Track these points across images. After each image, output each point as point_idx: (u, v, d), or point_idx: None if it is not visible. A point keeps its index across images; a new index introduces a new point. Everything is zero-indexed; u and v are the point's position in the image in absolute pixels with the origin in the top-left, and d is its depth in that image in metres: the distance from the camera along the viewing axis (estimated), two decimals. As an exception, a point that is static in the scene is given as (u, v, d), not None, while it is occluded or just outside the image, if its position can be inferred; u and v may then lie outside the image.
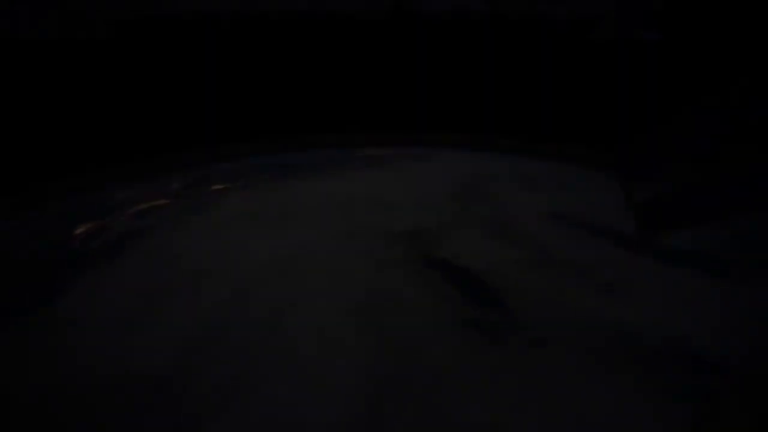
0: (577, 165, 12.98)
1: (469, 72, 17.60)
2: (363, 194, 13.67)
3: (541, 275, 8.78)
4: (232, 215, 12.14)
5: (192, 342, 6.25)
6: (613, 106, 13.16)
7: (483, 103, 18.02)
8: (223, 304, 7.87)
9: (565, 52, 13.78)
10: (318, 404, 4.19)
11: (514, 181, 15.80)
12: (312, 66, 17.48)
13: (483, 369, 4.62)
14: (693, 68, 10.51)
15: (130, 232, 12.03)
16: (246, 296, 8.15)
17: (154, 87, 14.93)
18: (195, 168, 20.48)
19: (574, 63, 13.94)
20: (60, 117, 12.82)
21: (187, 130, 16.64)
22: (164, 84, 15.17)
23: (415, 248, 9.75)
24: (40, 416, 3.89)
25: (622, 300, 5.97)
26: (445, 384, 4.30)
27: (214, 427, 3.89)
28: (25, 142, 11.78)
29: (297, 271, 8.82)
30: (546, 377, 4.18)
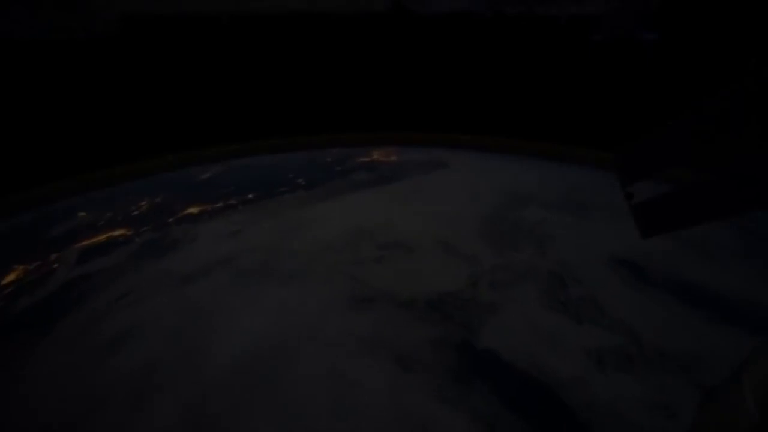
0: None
1: (470, 72, 16.62)
2: (371, 227, 10.71)
3: (637, 382, 5.97)
4: (200, 265, 9.27)
5: None
6: (612, 106, 12.45)
7: (483, 102, 16.88)
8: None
9: (565, 52, 13.25)
10: None
11: (556, 205, 12.78)
12: (314, 65, 16.50)
13: None
14: (692, 68, 10.18)
15: (69, 288, 9.31)
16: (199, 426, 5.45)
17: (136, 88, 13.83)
18: (166, 176, 17.60)
19: (574, 63, 13.38)
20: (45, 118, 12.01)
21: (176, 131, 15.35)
22: (150, 85, 14.06)
23: (447, 334, 6.90)
24: None
25: None
26: None
27: None
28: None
29: (279, 381, 6.08)
30: None
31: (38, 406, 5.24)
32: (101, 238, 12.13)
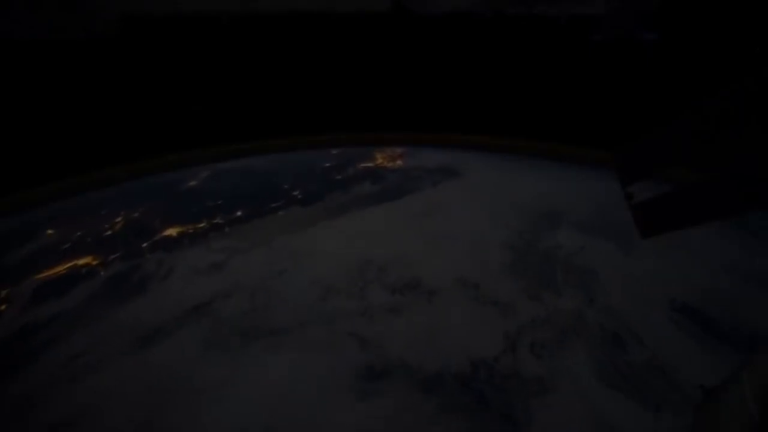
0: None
1: (470, 72, 16.33)
2: (380, 260, 8.96)
3: None
4: (171, 315, 7.55)
5: None
6: (612, 106, 12.45)
7: (483, 102, 16.50)
8: None
9: (565, 52, 13.10)
10: None
11: (591, 226, 11.04)
12: (314, 64, 16.28)
13: None
14: (692, 68, 10.18)
15: (12, 342, 7.58)
16: None
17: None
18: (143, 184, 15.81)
19: (574, 63, 13.28)
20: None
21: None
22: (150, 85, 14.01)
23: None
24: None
25: None
26: None
27: None
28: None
29: None
30: None
31: None
32: (62, 268, 10.37)
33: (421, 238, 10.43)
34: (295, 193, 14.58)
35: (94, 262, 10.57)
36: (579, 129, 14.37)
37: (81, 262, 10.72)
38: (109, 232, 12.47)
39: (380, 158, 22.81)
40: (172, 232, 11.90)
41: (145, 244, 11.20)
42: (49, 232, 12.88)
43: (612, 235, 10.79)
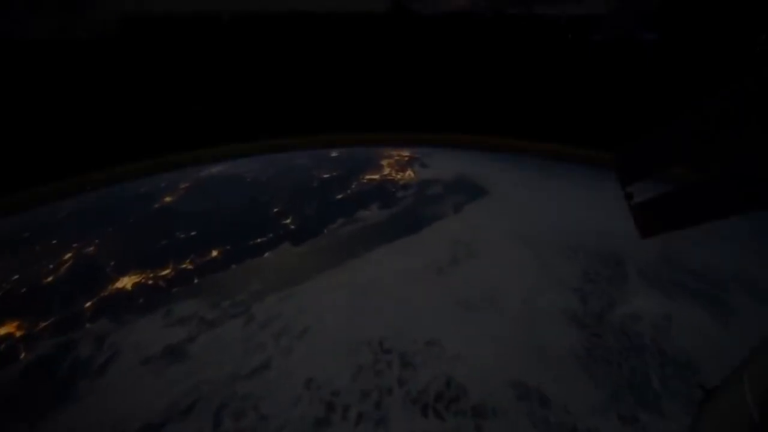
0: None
1: (470, 71, 16.09)
2: (400, 345, 6.33)
3: None
4: None
5: None
6: (613, 106, 12.39)
7: (483, 102, 16.20)
8: None
9: (565, 51, 13.24)
10: None
11: (669, 282, 8.41)
12: (314, 64, 15.91)
13: None
14: (692, 68, 10.35)
15: None
16: None
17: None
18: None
19: (574, 63, 13.34)
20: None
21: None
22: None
23: None
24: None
25: None
26: None
27: None
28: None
29: None
30: None
31: None
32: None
33: (452, 305, 7.76)
34: (287, 221, 11.82)
35: (18, 333, 7.94)
36: (579, 129, 14.12)
37: (2, 331, 8.08)
38: (50, 278, 9.82)
39: (387, 166, 19.88)
40: (126, 282, 9.22)
41: (88, 304, 8.54)
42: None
43: (695, 291, 8.19)
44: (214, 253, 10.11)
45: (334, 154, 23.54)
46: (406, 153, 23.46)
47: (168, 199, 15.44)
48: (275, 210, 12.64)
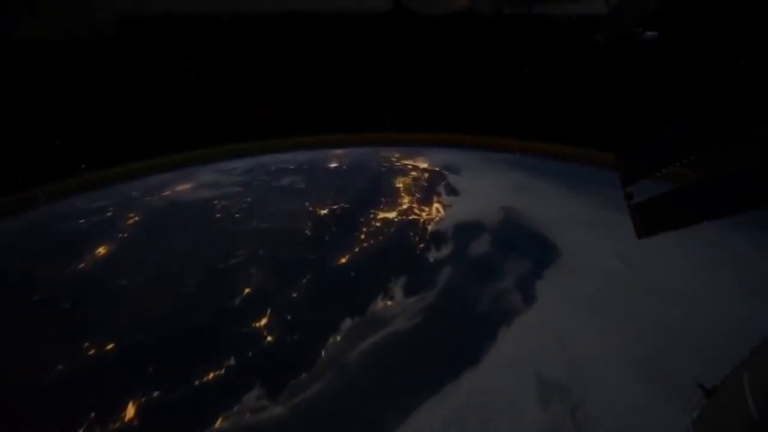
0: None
1: (470, 71, 16.30)
2: None
3: None
4: None
5: None
6: (613, 106, 12.68)
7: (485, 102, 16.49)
8: None
9: (565, 51, 13.16)
10: None
11: None
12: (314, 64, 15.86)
13: None
14: (692, 67, 10.47)
15: None
16: None
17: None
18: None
19: (575, 62, 13.34)
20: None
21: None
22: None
23: None
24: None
25: None
26: None
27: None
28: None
29: None
30: None
31: None
32: None
33: None
34: (256, 326, 7.29)
35: None
36: (579, 129, 14.46)
37: None
38: None
39: (405, 192, 14.82)
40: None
41: None
42: None
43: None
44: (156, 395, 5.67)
45: (335, 164, 18.83)
46: (424, 164, 18.67)
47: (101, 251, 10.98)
48: (236, 301, 8.05)
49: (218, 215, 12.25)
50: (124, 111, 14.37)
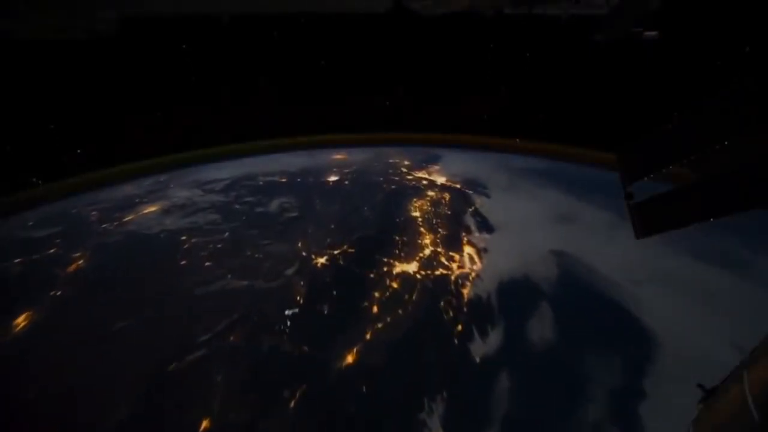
0: None
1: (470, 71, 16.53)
2: None
3: None
4: None
5: None
6: (613, 106, 12.79)
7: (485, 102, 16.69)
8: None
9: (566, 51, 13.29)
10: None
11: None
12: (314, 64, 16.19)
13: None
14: (692, 67, 10.58)
15: None
16: None
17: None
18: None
19: (575, 62, 13.53)
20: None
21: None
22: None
23: None
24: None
25: None
26: None
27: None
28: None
29: None
30: None
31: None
32: None
33: None
34: None
35: None
36: (580, 129, 14.40)
37: None
38: None
39: (425, 226, 11.44)
40: None
41: None
42: None
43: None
44: None
45: (335, 177, 15.78)
46: (440, 178, 15.66)
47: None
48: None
49: (183, 262, 9.33)
50: (113, 111, 13.87)
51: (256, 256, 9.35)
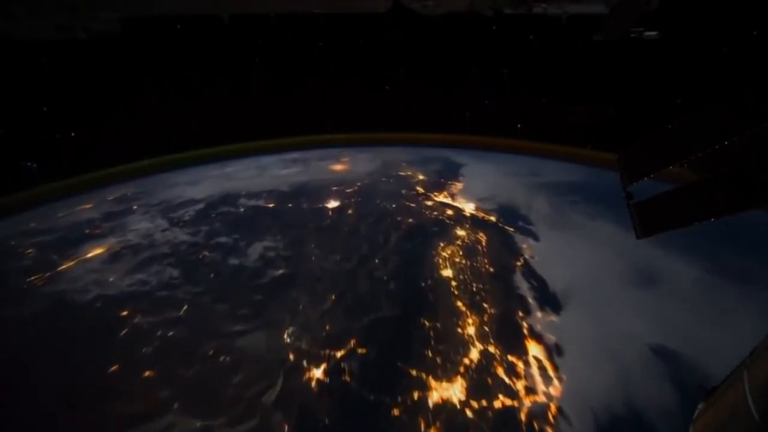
0: None
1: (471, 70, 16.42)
2: None
3: None
4: None
5: None
6: (613, 106, 13.03)
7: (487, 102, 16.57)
8: None
9: (566, 51, 13.40)
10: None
11: None
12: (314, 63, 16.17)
13: None
14: (692, 67, 10.70)
15: None
16: None
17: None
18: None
19: (575, 62, 13.56)
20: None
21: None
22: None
23: None
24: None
25: None
26: None
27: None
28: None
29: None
30: None
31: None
32: None
33: None
34: None
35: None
36: (579, 129, 14.29)
37: None
38: None
39: (471, 330, 7.90)
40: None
41: None
42: None
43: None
44: None
45: (334, 203, 12.51)
46: (468, 204, 12.40)
47: None
48: None
49: (113, 368, 6.22)
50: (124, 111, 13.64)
51: (221, 359, 6.25)
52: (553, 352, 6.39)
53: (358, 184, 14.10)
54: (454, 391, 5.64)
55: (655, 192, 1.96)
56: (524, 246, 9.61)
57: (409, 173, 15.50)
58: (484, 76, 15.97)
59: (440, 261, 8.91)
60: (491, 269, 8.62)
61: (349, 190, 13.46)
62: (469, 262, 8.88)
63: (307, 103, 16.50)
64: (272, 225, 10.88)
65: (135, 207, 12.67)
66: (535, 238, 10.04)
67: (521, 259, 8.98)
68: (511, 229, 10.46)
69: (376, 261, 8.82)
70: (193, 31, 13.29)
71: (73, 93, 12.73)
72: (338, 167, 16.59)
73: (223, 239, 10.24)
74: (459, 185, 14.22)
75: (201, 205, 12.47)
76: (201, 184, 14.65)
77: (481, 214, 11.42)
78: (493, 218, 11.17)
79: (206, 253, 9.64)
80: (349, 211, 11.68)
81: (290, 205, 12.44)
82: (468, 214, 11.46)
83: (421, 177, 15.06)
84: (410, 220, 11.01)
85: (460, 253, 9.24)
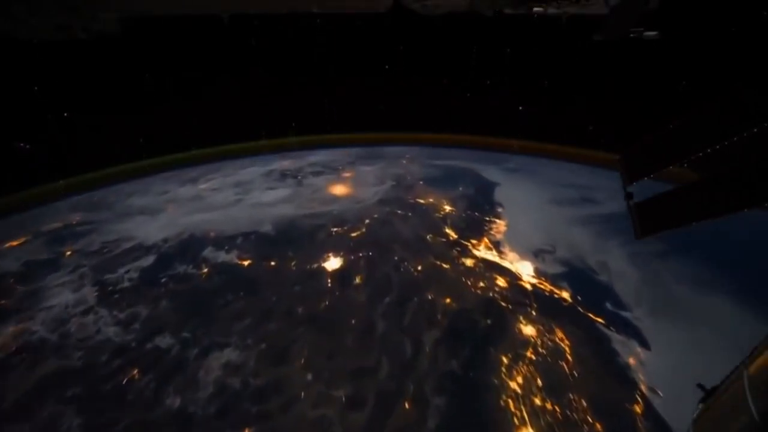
0: None
1: (470, 70, 15.54)
2: None
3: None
4: None
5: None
6: (614, 106, 12.50)
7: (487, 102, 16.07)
8: None
9: (566, 51, 12.81)
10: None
11: None
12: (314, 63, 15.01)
13: None
14: (692, 67, 10.14)
15: None
16: None
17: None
18: None
19: (575, 62, 13.07)
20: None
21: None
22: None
23: None
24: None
25: None
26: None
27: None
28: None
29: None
30: None
31: None
32: None
33: None
34: None
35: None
36: (580, 129, 13.77)
37: None
38: None
39: None
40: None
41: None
42: None
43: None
44: None
45: (335, 264, 8.99)
46: (525, 265, 8.83)
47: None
48: None
49: None
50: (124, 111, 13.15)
51: None
52: None
53: (367, 221, 10.61)
54: None
55: (655, 192, 1.84)
56: (631, 361, 6.19)
57: (431, 200, 11.92)
58: (485, 77, 15.49)
59: (510, 403, 5.44)
60: (596, 423, 5.15)
61: (354, 234, 9.95)
62: (556, 404, 5.41)
63: (307, 103, 15.79)
64: (243, 309, 7.36)
65: (68, 253, 9.16)
66: (642, 340, 6.60)
67: (636, 394, 5.53)
68: (601, 321, 6.99)
69: (407, 406, 5.35)
70: (193, 31, 12.74)
71: (72, 93, 12.24)
72: (338, 189, 12.91)
73: (166, 340, 6.78)
74: (501, 224, 10.68)
75: (151, 259, 9.00)
76: (163, 212, 11.14)
77: (547, 287, 7.96)
78: (566, 295, 7.70)
79: (135, 373, 6.13)
80: (357, 280, 8.17)
81: (273, 263, 8.88)
82: (528, 286, 7.99)
83: (447, 208, 11.48)
84: (448, 300, 7.52)
85: (538, 381, 5.76)
